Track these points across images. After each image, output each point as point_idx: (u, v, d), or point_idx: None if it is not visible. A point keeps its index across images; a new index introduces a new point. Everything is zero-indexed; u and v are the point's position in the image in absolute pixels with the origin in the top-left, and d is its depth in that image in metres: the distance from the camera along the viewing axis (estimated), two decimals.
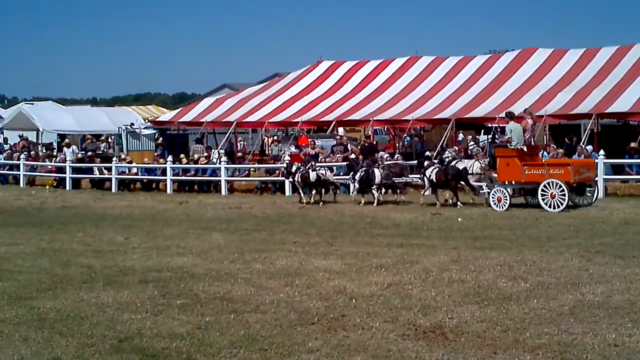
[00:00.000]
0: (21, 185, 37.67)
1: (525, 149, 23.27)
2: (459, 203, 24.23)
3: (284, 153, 32.75)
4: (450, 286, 11.96)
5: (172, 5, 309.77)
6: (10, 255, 16.02)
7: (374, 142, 36.51)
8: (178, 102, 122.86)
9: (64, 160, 37.29)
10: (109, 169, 35.50)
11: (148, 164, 36.68)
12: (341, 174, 29.00)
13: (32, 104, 64.95)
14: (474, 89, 34.38)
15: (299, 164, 27.80)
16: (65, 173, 36.56)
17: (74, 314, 10.66)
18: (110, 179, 35.24)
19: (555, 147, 30.15)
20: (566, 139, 33.55)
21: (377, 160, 28.17)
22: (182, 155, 34.92)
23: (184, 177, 34.18)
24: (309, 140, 33.44)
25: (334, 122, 35.39)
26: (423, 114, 33.19)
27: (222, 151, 34.88)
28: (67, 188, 35.67)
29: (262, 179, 32.61)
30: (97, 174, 36.51)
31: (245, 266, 14.19)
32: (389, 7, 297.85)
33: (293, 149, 34.00)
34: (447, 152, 26.75)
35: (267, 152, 39.20)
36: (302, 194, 27.21)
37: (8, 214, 25.49)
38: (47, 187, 36.67)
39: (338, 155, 31.26)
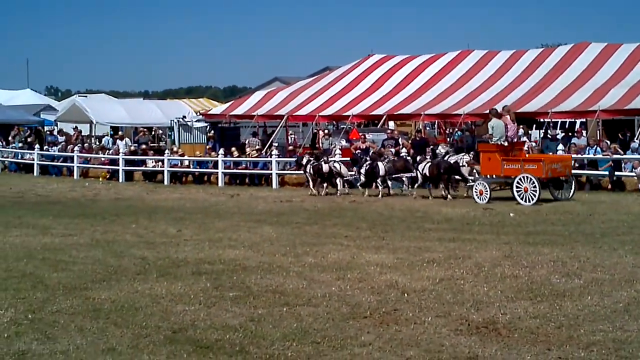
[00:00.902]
0: (75, 177, 38.08)
1: (505, 144, 24.08)
2: (449, 196, 25.12)
3: (334, 147, 32.73)
4: (503, 281, 11.89)
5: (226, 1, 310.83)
6: (64, 246, 16.19)
7: (426, 137, 36.36)
8: (229, 95, 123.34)
9: (117, 153, 37.66)
10: (162, 162, 35.79)
11: (200, 156, 36.90)
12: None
13: (86, 96, 65.74)
14: (526, 83, 34.05)
15: (309, 157, 29.04)
16: (118, 165, 36.92)
17: (128, 305, 10.77)
18: (162, 172, 35.53)
19: (608, 142, 29.86)
20: (620, 135, 33.18)
21: (384, 154, 28.86)
22: (233, 148, 35.08)
23: (235, 170, 34.36)
24: (360, 134, 33.39)
25: (384, 116, 35.27)
26: (474, 108, 32.93)
27: (274, 144, 34.98)
28: (120, 180, 36.01)
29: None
30: (149, 167, 36.80)
31: (297, 259, 14.24)
32: (440, 1, 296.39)
33: (344, 142, 34.00)
34: (439, 146, 27.43)
35: (318, 145, 39.22)
36: (311, 185, 28.45)
37: (62, 205, 25.78)
38: (100, 179, 37.08)
39: (390, 150, 31.16)
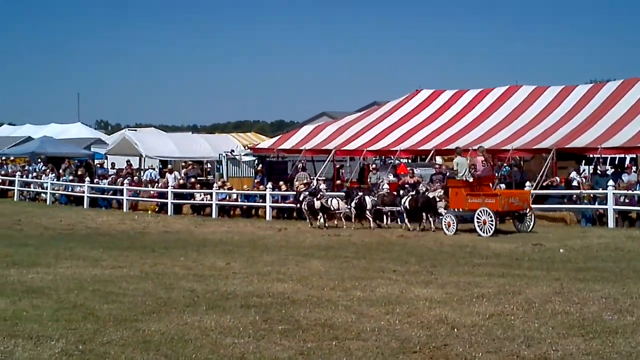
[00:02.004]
0: (124, 209, 38.38)
1: (470, 180, 25.95)
2: (425, 227, 27.09)
3: (382, 181, 32.71)
4: (554, 318, 11.77)
5: (271, 34, 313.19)
6: (114, 278, 16.29)
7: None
8: (277, 129, 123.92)
9: (166, 186, 37.95)
10: (210, 195, 35.98)
11: (247, 190, 37.06)
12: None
13: (135, 130, 66.33)
14: (575, 118, 33.78)
15: (306, 193, 30.61)
16: (167, 198, 37.18)
17: (178, 337, 10.80)
18: (210, 205, 35.71)
19: None
20: None
21: (373, 189, 30.93)
22: (281, 183, 35.22)
23: (283, 204, 34.44)
24: (408, 168, 33.35)
25: (432, 151, 35.24)
26: (523, 143, 32.77)
27: (320, 179, 35.04)
28: (169, 213, 36.25)
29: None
30: (198, 200, 37.01)
31: (346, 293, 14.21)
32: (488, 35, 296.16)
33: (392, 177, 33.96)
34: (421, 184, 28.79)
35: (366, 180, 39.19)
36: (308, 219, 30.19)
37: (112, 237, 26.01)
38: (149, 212, 37.34)
39: (437, 184, 31.08)
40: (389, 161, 40.02)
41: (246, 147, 48.09)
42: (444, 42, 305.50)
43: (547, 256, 19.70)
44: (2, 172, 48.76)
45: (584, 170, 36.44)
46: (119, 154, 49.61)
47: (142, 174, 46.81)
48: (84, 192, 41.02)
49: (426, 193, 27.28)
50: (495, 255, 20.18)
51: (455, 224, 25.54)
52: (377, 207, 28.96)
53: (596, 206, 27.58)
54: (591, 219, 28.72)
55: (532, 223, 25.91)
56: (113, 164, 48.82)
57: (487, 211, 24.63)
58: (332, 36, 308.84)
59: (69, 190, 43.19)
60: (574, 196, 29.75)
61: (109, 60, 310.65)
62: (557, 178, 30.81)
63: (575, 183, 29.85)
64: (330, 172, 40.25)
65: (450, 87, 41.36)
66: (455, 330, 11.09)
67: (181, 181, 38.92)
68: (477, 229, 24.77)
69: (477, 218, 24.86)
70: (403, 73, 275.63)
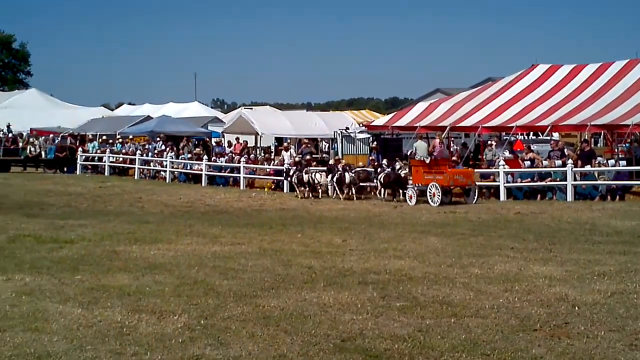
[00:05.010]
0: (241, 187, 38.82)
1: (427, 160, 30.04)
2: (396, 200, 30.68)
3: (498, 158, 32.40)
4: None
5: (386, 10, 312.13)
6: (234, 254, 16.52)
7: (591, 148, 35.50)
8: (390, 106, 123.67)
9: (282, 164, 38.24)
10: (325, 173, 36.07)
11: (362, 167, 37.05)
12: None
13: (251, 108, 67.09)
14: None
15: (295, 168, 34.88)
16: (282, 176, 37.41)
17: (297, 313, 10.93)
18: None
19: None
20: None
21: (351, 165, 34.70)
22: (396, 159, 35.14)
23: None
24: (524, 145, 32.93)
25: (549, 127, 34.60)
26: None
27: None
28: (285, 191, 36.51)
29: (477, 184, 32.34)
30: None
31: (463, 270, 14.15)
32: (605, 8, 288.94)
33: (507, 153, 33.58)
34: (397, 162, 32.71)
35: (481, 157, 38.85)
36: (297, 190, 34.00)
37: (230, 215, 26.34)
38: (265, 189, 37.66)
39: (555, 161, 30.64)
40: (504, 137, 39.55)
41: (361, 125, 48.08)
42: (559, 16, 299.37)
43: None
44: (123, 151, 49.84)
45: None
46: (236, 132, 50.20)
47: (264, 152, 47.45)
48: (202, 170, 41.62)
49: (398, 171, 31.36)
50: (616, 232, 19.75)
51: (415, 197, 29.51)
52: (355, 182, 32.23)
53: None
54: None
55: (476, 197, 29.58)
56: (229, 142, 49.42)
57: (436, 186, 28.63)
58: (444, 13, 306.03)
59: (188, 168, 43.89)
60: None
61: (226, 40, 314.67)
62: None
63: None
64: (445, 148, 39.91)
65: (566, 62, 40.52)
66: (576, 308, 10.94)
67: (297, 158, 39.13)
68: (429, 200, 28.75)
69: (429, 191, 28.91)
70: (517, 47, 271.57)
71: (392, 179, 31.08)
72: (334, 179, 32.62)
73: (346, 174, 32.18)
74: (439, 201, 28.37)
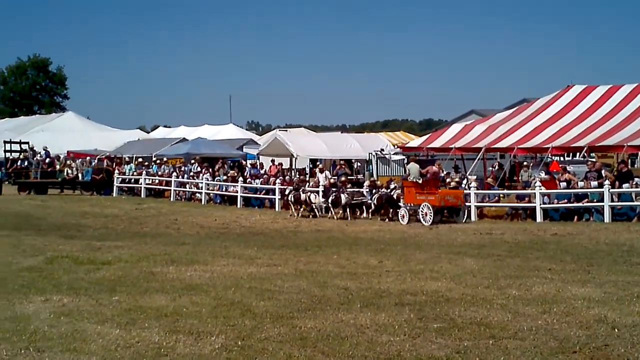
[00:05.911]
0: (276, 209, 38.88)
1: (419, 181, 30.66)
2: (387, 220, 31.83)
3: (534, 179, 32.25)
4: None
5: (420, 32, 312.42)
6: (270, 275, 16.54)
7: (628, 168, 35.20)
8: (425, 128, 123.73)
9: (318, 185, 38.27)
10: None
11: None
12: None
13: (286, 130, 67.28)
14: None
15: (291, 188, 36.28)
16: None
17: (334, 334, 10.92)
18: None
19: None
20: None
21: (346, 187, 36.54)
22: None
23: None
24: (560, 166, 32.75)
25: (585, 148, 34.40)
26: None
27: (471, 177, 34.74)
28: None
29: (513, 205, 32.25)
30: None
31: (500, 292, 14.08)
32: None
33: (543, 175, 33.41)
34: (392, 183, 34.30)
35: (517, 178, 38.65)
36: (293, 210, 35.24)
37: (265, 236, 26.35)
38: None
39: (592, 182, 30.46)
40: (540, 158, 39.33)
41: (395, 146, 48.08)
42: (593, 38, 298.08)
43: None
44: (159, 173, 50.10)
45: None
46: (271, 154, 50.35)
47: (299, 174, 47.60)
48: (237, 192, 41.74)
49: (391, 191, 32.49)
50: None
51: (407, 216, 30.71)
52: (349, 202, 33.58)
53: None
54: None
55: (465, 217, 30.92)
56: (261, 165, 49.53)
57: (428, 206, 29.74)
58: (477, 35, 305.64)
59: (223, 190, 44.04)
60: None
61: (260, 62, 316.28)
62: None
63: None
64: (481, 170, 39.80)
65: (601, 82, 40.29)
66: (616, 330, 10.85)
67: (332, 180, 39.15)
68: (421, 219, 29.83)
69: (421, 211, 29.98)
70: (552, 68, 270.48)
71: (384, 199, 32.47)
72: (329, 200, 33.90)
73: (342, 194, 33.67)
74: (431, 221, 29.48)
